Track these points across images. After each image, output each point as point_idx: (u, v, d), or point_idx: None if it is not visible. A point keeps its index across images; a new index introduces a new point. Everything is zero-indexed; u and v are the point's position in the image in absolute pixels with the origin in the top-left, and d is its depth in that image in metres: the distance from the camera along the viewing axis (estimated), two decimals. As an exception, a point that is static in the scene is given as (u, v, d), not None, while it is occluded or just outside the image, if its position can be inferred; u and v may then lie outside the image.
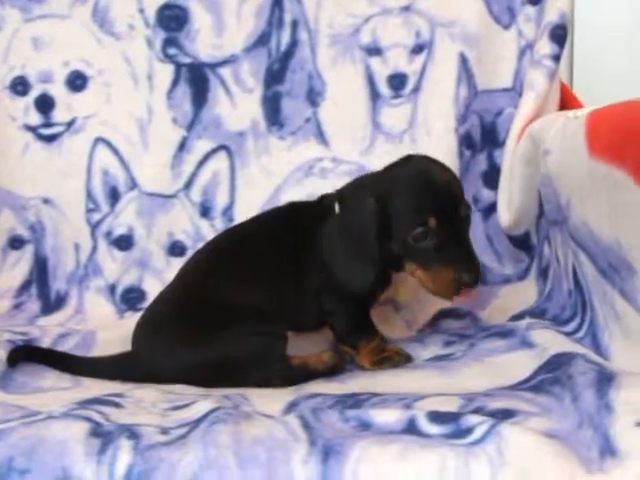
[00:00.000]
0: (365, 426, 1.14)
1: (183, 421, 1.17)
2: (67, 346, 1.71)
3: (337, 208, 1.58)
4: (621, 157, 1.24)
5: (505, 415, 1.15)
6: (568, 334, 1.52)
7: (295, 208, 1.69)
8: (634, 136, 1.21)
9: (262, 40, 2.00)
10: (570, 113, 1.54)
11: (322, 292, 1.57)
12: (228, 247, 1.66)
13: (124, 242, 1.97)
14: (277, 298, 1.56)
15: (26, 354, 1.59)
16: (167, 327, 1.54)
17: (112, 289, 1.95)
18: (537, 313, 1.68)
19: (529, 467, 1.02)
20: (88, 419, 1.17)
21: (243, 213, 1.94)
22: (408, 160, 1.57)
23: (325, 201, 1.63)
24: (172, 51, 2.00)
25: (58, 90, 2.01)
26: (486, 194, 1.95)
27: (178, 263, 1.83)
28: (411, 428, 1.11)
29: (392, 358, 1.55)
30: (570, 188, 1.47)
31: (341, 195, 1.61)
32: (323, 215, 1.59)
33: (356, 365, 1.57)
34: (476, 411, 1.18)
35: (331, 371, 1.53)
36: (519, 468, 1.02)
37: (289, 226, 1.63)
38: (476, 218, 1.91)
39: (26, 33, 2.02)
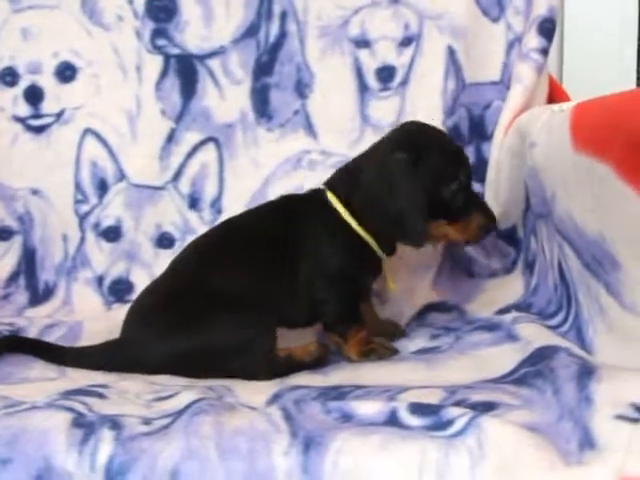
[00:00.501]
0: (347, 418, 1.14)
1: (166, 412, 1.18)
2: (54, 337, 1.71)
3: (330, 197, 1.60)
4: (604, 150, 1.25)
5: (486, 408, 1.16)
6: (553, 328, 1.52)
7: (287, 201, 1.69)
8: (617, 130, 1.22)
9: (251, 31, 2.00)
10: (556, 106, 1.55)
11: (315, 281, 1.58)
12: (219, 239, 1.66)
13: (112, 233, 1.97)
14: (267, 291, 1.57)
15: (12, 345, 1.59)
16: (155, 315, 1.55)
17: (100, 280, 1.95)
18: (523, 307, 1.69)
19: (508, 459, 1.03)
20: (71, 409, 1.17)
21: (231, 205, 1.95)
22: (413, 124, 1.66)
23: (317, 194, 1.64)
24: (161, 42, 2.00)
25: (47, 81, 2.01)
26: (474, 187, 1.94)
27: (166, 255, 1.85)
28: (392, 420, 1.11)
29: (378, 350, 1.56)
30: (555, 181, 1.47)
31: (331, 184, 1.63)
32: (315, 207, 1.61)
33: (341, 357, 1.57)
34: (458, 403, 1.18)
35: (317, 362, 1.53)
36: (498, 460, 1.03)
37: (281, 219, 1.63)
38: (464, 211, 1.92)
39: (15, 24, 2.01)
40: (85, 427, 1.11)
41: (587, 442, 1.04)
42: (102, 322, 1.79)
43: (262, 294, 1.55)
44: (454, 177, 1.57)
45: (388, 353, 1.57)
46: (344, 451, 1.05)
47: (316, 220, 1.60)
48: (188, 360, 1.50)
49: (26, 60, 2.01)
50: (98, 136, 1.99)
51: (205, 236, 1.70)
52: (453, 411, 1.10)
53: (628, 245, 1.23)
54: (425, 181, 1.54)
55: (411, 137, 1.60)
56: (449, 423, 1.08)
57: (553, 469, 1.01)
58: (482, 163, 1.92)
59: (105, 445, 1.08)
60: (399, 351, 1.58)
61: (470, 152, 1.95)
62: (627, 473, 0.96)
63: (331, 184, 1.64)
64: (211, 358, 1.49)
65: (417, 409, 1.12)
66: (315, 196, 1.64)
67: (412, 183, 1.53)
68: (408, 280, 1.79)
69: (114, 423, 1.12)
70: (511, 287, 1.80)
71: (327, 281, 1.58)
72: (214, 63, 2.00)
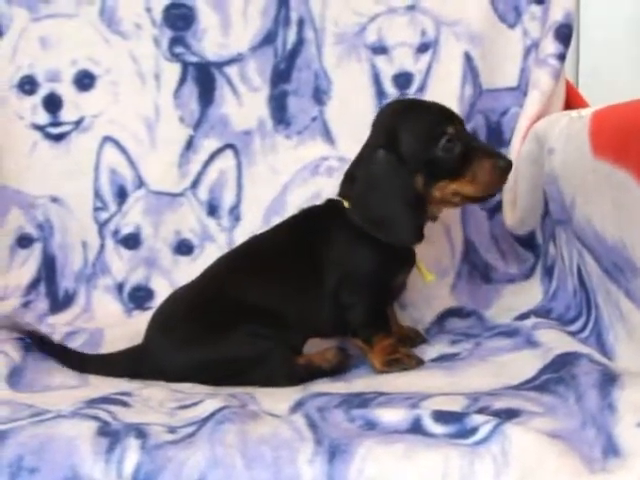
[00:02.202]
0: (371, 425, 1.15)
1: (190, 420, 1.18)
2: (75, 344, 1.72)
3: (346, 205, 1.60)
4: (624, 157, 1.25)
5: (509, 415, 1.16)
6: (573, 334, 1.52)
7: (307, 214, 1.70)
8: (636, 136, 1.22)
9: (268, 39, 2.01)
10: (574, 112, 1.55)
11: (341, 290, 1.58)
12: (245, 253, 1.68)
13: (131, 241, 1.98)
14: (292, 302, 1.57)
15: (41, 344, 1.61)
16: (178, 324, 1.56)
17: (120, 288, 1.97)
18: (542, 312, 1.69)
19: (533, 467, 1.03)
20: (96, 418, 1.18)
21: (250, 211, 1.96)
22: (388, 104, 1.69)
23: (333, 203, 1.65)
24: (179, 50, 2.01)
25: (66, 89, 2.02)
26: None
27: (185, 262, 1.86)
28: (416, 427, 1.12)
29: (403, 361, 1.54)
30: (574, 187, 1.47)
31: (342, 191, 1.64)
32: (333, 216, 1.62)
33: (362, 362, 1.57)
34: (481, 411, 1.19)
35: (336, 369, 1.54)
36: (523, 468, 1.03)
37: (303, 232, 1.64)
38: (481, 217, 1.92)
39: (33, 32, 2.02)
40: (111, 436, 1.11)
41: (611, 449, 1.04)
42: (122, 329, 1.81)
43: (287, 306, 1.56)
44: (441, 133, 1.54)
45: (413, 364, 1.54)
46: (369, 459, 1.06)
47: (336, 229, 1.60)
48: (208, 369, 1.51)
49: (45, 68, 2.02)
50: (117, 144, 2.00)
51: (234, 250, 1.72)
52: (477, 419, 1.11)
53: (649, 251, 1.24)
54: (411, 160, 1.54)
55: (386, 123, 1.61)
56: (473, 431, 1.09)
57: (578, 476, 1.01)
58: (500, 169, 1.92)
59: (131, 454, 1.08)
60: (424, 362, 1.56)
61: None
62: (652, 480, 0.96)
63: (342, 191, 1.64)
64: (231, 368, 1.51)
65: (441, 417, 1.12)
66: (332, 205, 1.65)
67: (397, 181, 1.54)
68: (427, 285, 1.79)
69: (139, 432, 1.12)
70: (530, 293, 1.81)
71: (354, 287, 1.58)
72: (232, 70, 2.00)
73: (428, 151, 1.54)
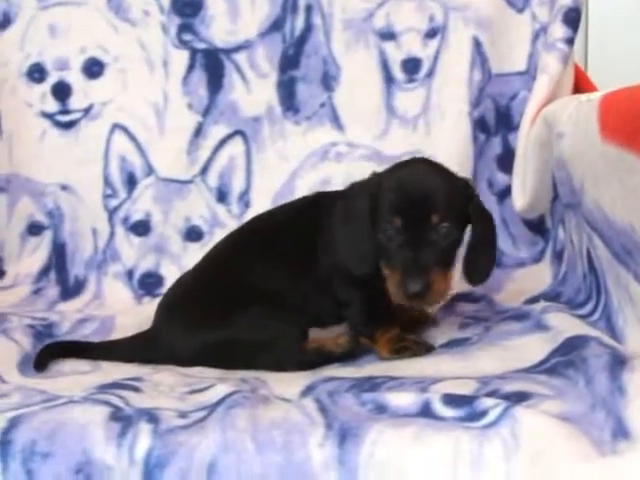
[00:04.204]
0: (381, 409, 1.15)
1: (201, 405, 1.19)
2: (87, 331, 1.74)
3: None
4: (632, 140, 1.24)
5: (519, 398, 1.16)
6: (583, 317, 1.52)
7: (319, 197, 1.69)
8: (647, 120, 1.22)
9: (276, 25, 2.01)
10: (583, 96, 1.55)
11: (333, 280, 1.57)
12: (251, 234, 1.67)
13: (141, 227, 1.98)
14: (296, 286, 1.57)
15: (53, 353, 1.58)
16: (186, 306, 1.57)
17: (130, 274, 1.98)
18: (552, 296, 1.69)
19: (542, 450, 1.03)
20: (108, 403, 1.19)
21: (259, 197, 1.97)
22: (406, 163, 1.58)
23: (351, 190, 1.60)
24: (187, 37, 2.01)
25: (75, 77, 2.03)
26: (501, 178, 1.96)
27: (195, 248, 1.86)
28: (426, 411, 1.12)
29: (411, 348, 1.52)
30: (583, 171, 1.47)
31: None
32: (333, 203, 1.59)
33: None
34: (491, 394, 1.19)
35: (347, 355, 1.54)
36: (533, 451, 1.03)
37: (310, 215, 1.63)
38: (491, 202, 1.92)
39: (42, 20, 2.04)
40: (123, 420, 1.12)
41: (621, 432, 1.04)
42: (133, 316, 1.82)
43: (290, 290, 1.56)
44: (388, 220, 1.46)
45: (422, 350, 1.52)
46: (379, 443, 1.06)
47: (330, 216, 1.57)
48: (217, 352, 1.51)
49: (54, 56, 2.03)
50: (126, 131, 2.01)
51: (238, 231, 1.71)
52: (486, 402, 1.11)
53: (658, 235, 1.23)
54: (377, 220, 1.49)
55: (383, 179, 1.53)
56: (483, 414, 1.09)
57: (588, 459, 1.02)
58: (509, 153, 1.93)
59: (143, 438, 1.09)
60: (435, 347, 1.54)
61: (497, 143, 1.97)
62: (661, 462, 0.97)
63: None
64: (239, 351, 1.51)
65: (450, 400, 1.13)
66: (344, 193, 1.61)
67: (363, 221, 1.50)
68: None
69: (151, 416, 1.13)
70: (539, 276, 1.81)
71: (346, 282, 1.57)
72: (240, 57, 2.01)
73: (379, 228, 1.48)
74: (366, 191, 1.51)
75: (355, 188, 1.56)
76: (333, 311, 1.61)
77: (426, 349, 1.53)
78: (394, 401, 1.15)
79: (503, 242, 1.91)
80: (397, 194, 1.48)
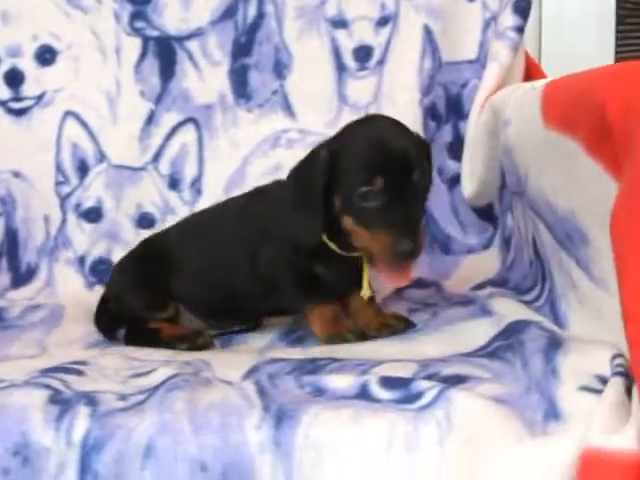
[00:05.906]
0: (319, 392, 1.15)
1: (142, 388, 1.19)
2: (36, 318, 1.74)
3: None
4: (573, 127, 1.26)
5: (457, 381, 1.17)
6: (528, 303, 1.54)
7: (274, 187, 1.65)
8: (585, 106, 1.23)
9: (229, 13, 2.01)
10: (529, 84, 1.56)
11: (260, 254, 1.57)
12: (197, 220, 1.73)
13: (93, 214, 1.98)
14: (232, 274, 1.61)
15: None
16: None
17: (81, 261, 1.98)
18: (499, 282, 1.71)
19: (476, 432, 1.04)
20: (48, 387, 1.19)
21: (211, 185, 1.98)
22: (369, 119, 1.56)
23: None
24: (139, 24, 2.01)
25: (27, 64, 2.02)
26: (451, 165, 1.97)
27: (146, 234, 1.86)
28: (363, 393, 1.13)
29: (343, 335, 1.50)
30: (528, 159, 1.49)
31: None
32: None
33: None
34: (430, 377, 1.19)
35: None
36: (466, 432, 1.04)
37: (261, 202, 1.63)
38: (441, 189, 1.94)
39: (-6, 7, 2.02)
40: (62, 404, 1.12)
41: (552, 413, 1.06)
42: (83, 303, 1.82)
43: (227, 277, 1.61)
44: (365, 182, 1.40)
45: (352, 339, 1.49)
46: (315, 425, 1.07)
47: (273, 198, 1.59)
48: None
49: (6, 43, 2.03)
50: (78, 118, 2.00)
51: (194, 214, 1.78)
52: (422, 384, 1.12)
53: (596, 221, 1.24)
54: (339, 183, 1.44)
55: (347, 133, 1.50)
56: (418, 396, 1.10)
57: (519, 440, 1.03)
58: (459, 141, 1.94)
59: (81, 421, 1.09)
60: (368, 337, 1.51)
61: (447, 131, 1.98)
62: (589, 443, 0.97)
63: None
64: None
65: (387, 383, 1.13)
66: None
67: (317, 184, 1.44)
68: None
69: (90, 399, 1.13)
70: (488, 263, 1.83)
71: (274, 255, 1.55)
72: (193, 45, 2.01)
73: (350, 189, 1.42)
74: (318, 152, 1.47)
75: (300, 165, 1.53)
76: (267, 300, 1.60)
77: (358, 337, 1.50)
78: (333, 383, 1.16)
79: (453, 229, 1.93)
80: (372, 153, 1.42)
